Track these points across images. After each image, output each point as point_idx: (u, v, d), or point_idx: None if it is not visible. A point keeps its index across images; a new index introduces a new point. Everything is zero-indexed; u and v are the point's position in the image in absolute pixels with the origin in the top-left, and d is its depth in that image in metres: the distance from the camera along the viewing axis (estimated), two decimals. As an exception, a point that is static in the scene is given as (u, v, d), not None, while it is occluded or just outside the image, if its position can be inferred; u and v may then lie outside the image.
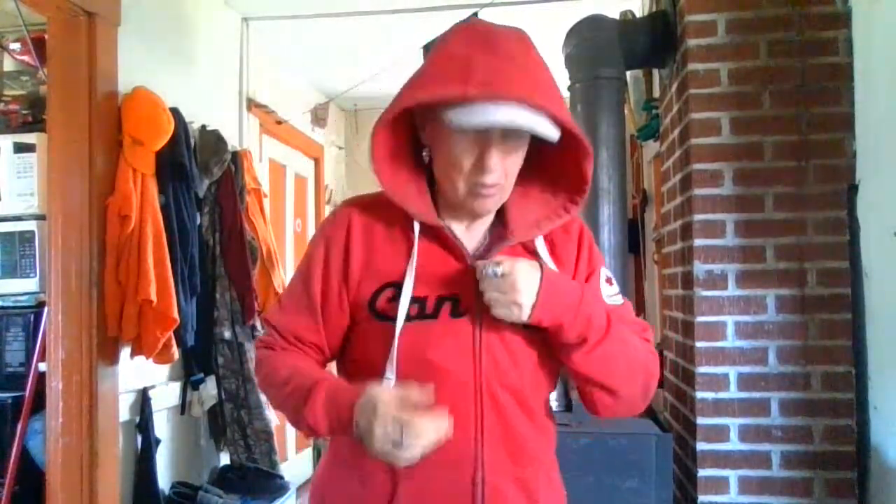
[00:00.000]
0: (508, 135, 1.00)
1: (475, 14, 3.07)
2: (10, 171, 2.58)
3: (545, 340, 1.07)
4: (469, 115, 0.96)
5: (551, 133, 0.99)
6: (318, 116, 4.42)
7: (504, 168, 1.04)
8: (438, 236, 1.09)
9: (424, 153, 1.13)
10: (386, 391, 0.97)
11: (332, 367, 1.20)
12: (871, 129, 1.93)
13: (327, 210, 4.99)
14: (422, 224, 1.09)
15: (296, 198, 4.55)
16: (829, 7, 2.03)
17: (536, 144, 1.06)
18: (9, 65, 2.90)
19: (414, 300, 1.05)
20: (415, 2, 3.38)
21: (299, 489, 4.10)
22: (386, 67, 3.79)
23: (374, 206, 1.14)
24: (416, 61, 3.29)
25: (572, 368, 1.07)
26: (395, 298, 1.05)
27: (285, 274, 3.66)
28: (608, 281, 1.17)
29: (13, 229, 2.57)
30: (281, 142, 4.22)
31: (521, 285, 0.99)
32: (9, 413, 2.50)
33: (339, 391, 1.01)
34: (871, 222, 1.92)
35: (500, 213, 1.14)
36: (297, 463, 4.43)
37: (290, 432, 4.36)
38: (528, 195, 1.14)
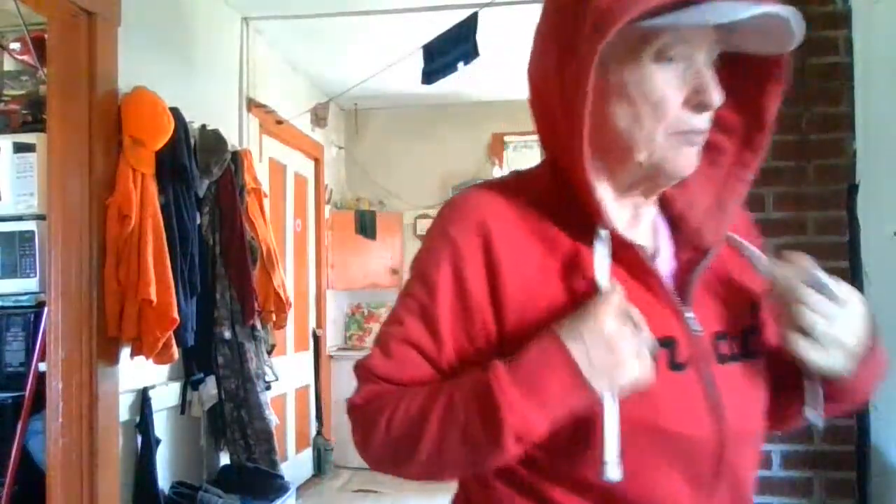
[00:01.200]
0: (711, 61, 0.75)
1: (475, 14, 3.07)
2: (10, 171, 2.58)
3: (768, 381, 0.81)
4: (698, 14, 0.68)
5: (798, 34, 0.72)
6: (318, 116, 4.42)
7: None
8: (619, 252, 0.76)
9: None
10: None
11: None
12: (871, 129, 1.93)
13: (327, 210, 4.99)
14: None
15: (296, 198, 4.55)
16: (829, 7, 2.03)
17: None
18: (9, 65, 2.90)
19: None
20: (415, 2, 3.39)
21: (299, 489, 4.11)
22: (386, 67, 3.80)
23: (519, 199, 0.80)
24: (417, 61, 3.32)
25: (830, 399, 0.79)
26: None
27: (285, 274, 3.66)
28: None
29: (13, 229, 2.56)
30: (281, 142, 4.21)
31: (855, 322, 0.73)
32: (9, 413, 2.50)
33: (522, 357, 0.70)
34: (871, 222, 1.92)
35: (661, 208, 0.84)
36: (297, 463, 4.43)
37: (290, 432, 4.37)
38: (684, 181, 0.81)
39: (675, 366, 0.75)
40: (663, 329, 0.74)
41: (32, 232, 2.55)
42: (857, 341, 0.73)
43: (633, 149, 0.75)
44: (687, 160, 0.75)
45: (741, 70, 0.79)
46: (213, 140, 2.90)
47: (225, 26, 3.49)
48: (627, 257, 0.76)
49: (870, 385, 0.79)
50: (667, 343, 0.74)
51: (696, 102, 0.73)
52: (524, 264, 0.76)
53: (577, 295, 0.74)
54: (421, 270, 0.80)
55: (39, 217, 2.57)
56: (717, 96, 0.73)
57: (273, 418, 3.12)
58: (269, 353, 3.27)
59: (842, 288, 0.74)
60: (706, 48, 0.73)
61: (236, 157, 3.07)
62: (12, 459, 2.43)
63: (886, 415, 1.87)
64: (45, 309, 2.44)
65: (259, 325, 3.14)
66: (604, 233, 0.75)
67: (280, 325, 3.41)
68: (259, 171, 3.51)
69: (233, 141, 3.20)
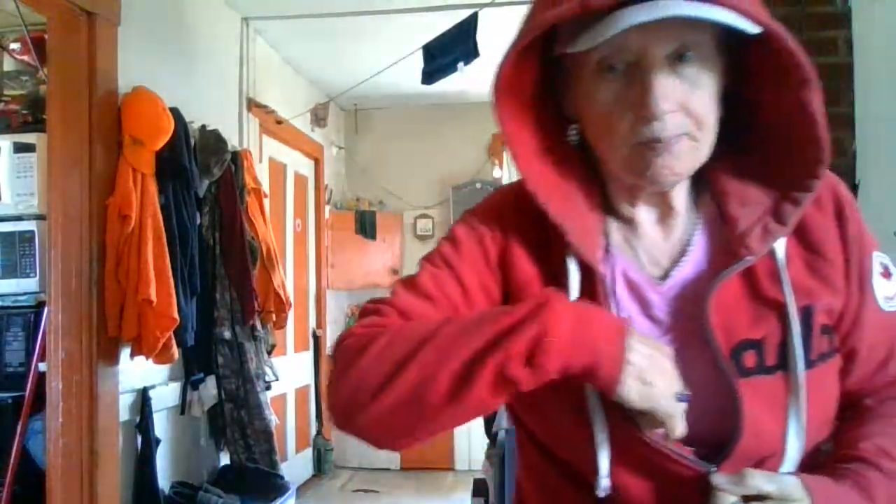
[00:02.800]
0: (679, 59, 0.69)
1: (475, 14, 3.07)
2: (10, 171, 2.58)
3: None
4: (597, 30, 0.66)
5: (738, 23, 0.67)
6: (318, 116, 4.43)
7: (683, 102, 0.69)
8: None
9: (571, 132, 0.78)
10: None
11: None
12: (871, 129, 1.93)
13: (327, 210, 4.99)
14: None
15: (296, 198, 4.55)
16: (829, 7, 2.03)
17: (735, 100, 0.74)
18: (9, 65, 2.90)
19: None
20: (415, 2, 3.38)
21: (299, 489, 4.11)
22: (386, 67, 3.80)
23: (527, 216, 0.78)
24: (417, 61, 3.32)
25: None
26: None
27: (285, 274, 3.66)
28: (885, 273, 0.78)
29: (13, 229, 2.57)
30: (281, 142, 4.21)
31: None
32: (9, 413, 2.50)
33: (584, 310, 0.67)
34: (871, 222, 1.92)
35: (717, 206, 0.78)
36: (297, 463, 4.43)
37: (290, 432, 4.37)
38: (743, 181, 0.76)
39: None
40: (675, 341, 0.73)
41: (32, 232, 2.55)
42: None
43: (607, 161, 0.75)
44: (659, 169, 0.71)
45: (770, 71, 0.73)
46: (213, 140, 2.90)
47: (225, 26, 3.49)
48: (629, 280, 0.75)
49: None
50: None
51: (641, 105, 0.69)
52: (529, 266, 0.77)
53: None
54: (445, 241, 0.81)
55: (39, 217, 2.57)
56: (657, 105, 0.68)
57: (273, 418, 3.12)
58: (269, 353, 3.27)
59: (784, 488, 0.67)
60: (654, 50, 0.68)
61: (236, 157, 3.07)
62: (12, 459, 2.43)
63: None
64: (45, 309, 2.44)
65: (259, 325, 3.14)
66: (572, 265, 0.75)
67: (280, 325, 3.41)
68: (259, 171, 3.51)
69: (233, 141, 3.20)
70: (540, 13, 0.69)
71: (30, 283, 2.57)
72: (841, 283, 0.76)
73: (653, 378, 0.64)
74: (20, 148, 2.58)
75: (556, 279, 0.75)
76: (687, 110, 0.69)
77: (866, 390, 0.79)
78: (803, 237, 0.76)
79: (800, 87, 0.72)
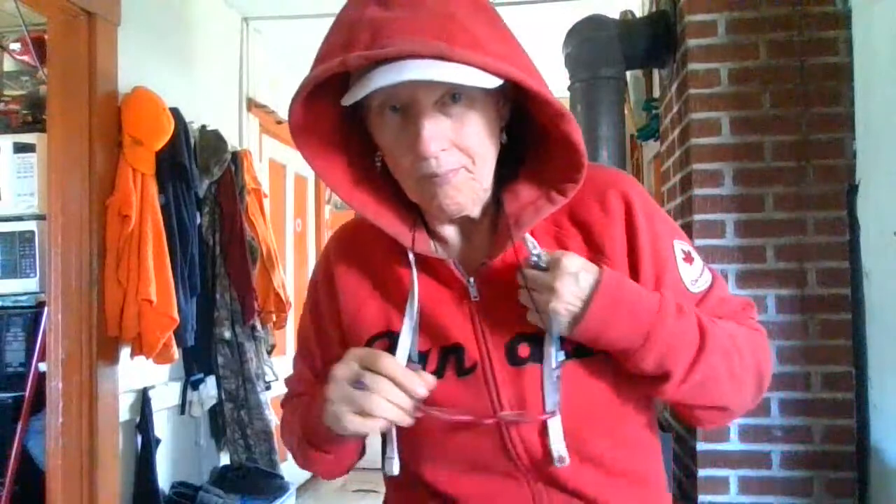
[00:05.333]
0: (452, 99, 0.77)
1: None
2: (10, 171, 2.58)
3: (602, 372, 0.83)
4: (359, 86, 0.74)
5: (473, 81, 0.72)
6: (318, 116, 4.42)
7: (453, 138, 0.77)
8: (427, 262, 0.86)
9: (377, 160, 0.87)
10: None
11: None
12: (871, 129, 1.93)
13: (327, 210, 4.99)
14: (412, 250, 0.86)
15: (296, 198, 4.55)
16: (829, 7, 2.03)
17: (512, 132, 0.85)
18: (9, 65, 2.90)
19: (418, 356, 0.83)
20: (415, 2, 3.38)
21: (299, 489, 4.11)
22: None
23: (362, 233, 0.93)
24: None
25: (663, 399, 0.84)
26: (391, 352, 0.82)
27: (285, 274, 3.66)
28: (687, 258, 0.87)
29: (13, 229, 2.57)
30: (281, 142, 4.22)
31: (566, 281, 0.76)
32: (9, 413, 2.50)
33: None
34: (871, 222, 1.92)
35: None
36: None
37: (290, 432, 4.36)
38: (517, 192, 0.86)
39: (463, 371, 0.83)
40: (456, 336, 0.84)
41: (32, 232, 2.55)
42: (573, 299, 0.77)
43: (408, 191, 0.83)
44: (443, 201, 0.80)
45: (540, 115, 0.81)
46: (213, 140, 2.90)
47: (225, 26, 3.49)
48: (438, 270, 0.85)
49: (629, 334, 0.78)
50: (454, 350, 0.84)
51: (415, 144, 0.76)
52: (359, 289, 0.90)
53: (393, 311, 0.87)
54: (304, 309, 1.00)
55: (39, 217, 2.57)
56: (426, 147, 0.75)
57: (273, 418, 3.11)
58: (269, 353, 3.27)
59: (551, 257, 0.78)
60: (422, 98, 0.76)
61: (236, 157, 3.07)
62: (12, 459, 2.43)
63: (886, 415, 1.87)
64: (45, 309, 2.44)
65: (259, 326, 3.14)
66: (411, 258, 0.85)
67: (280, 325, 3.41)
68: (259, 171, 3.52)
69: (233, 141, 3.20)
70: (314, 66, 0.76)
71: (30, 283, 2.57)
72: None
73: (336, 407, 0.78)
74: (20, 148, 2.59)
75: (387, 282, 0.89)
76: (459, 147, 0.78)
77: None
78: (589, 238, 0.85)
79: (558, 120, 0.78)
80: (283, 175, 4.38)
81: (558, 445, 0.80)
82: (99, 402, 2.40)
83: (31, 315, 2.58)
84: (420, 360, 0.83)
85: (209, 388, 2.96)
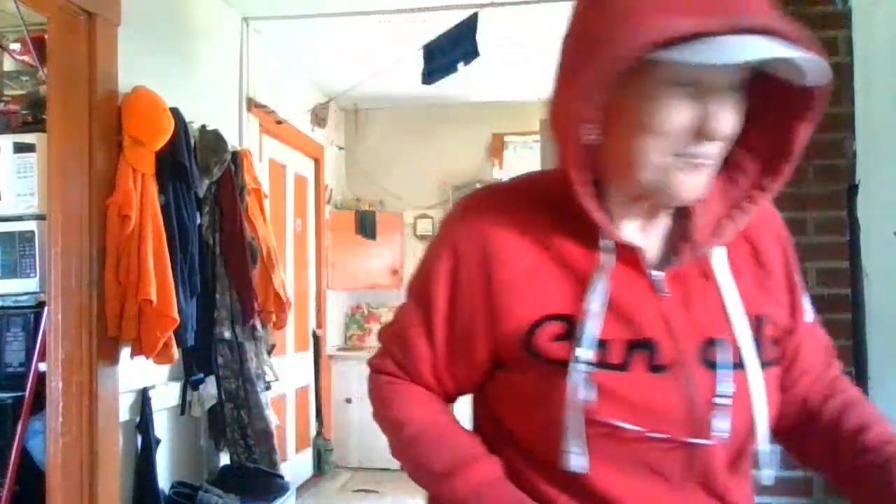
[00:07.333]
0: (734, 86, 0.73)
1: (475, 14, 3.07)
2: (10, 171, 2.58)
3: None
4: (709, 50, 0.67)
5: (822, 74, 0.74)
6: (318, 116, 4.43)
7: (734, 131, 0.75)
8: (622, 255, 0.80)
9: (588, 133, 0.76)
10: None
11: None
12: (871, 129, 1.93)
13: (327, 210, 4.99)
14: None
15: (296, 198, 4.55)
16: (829, 7, 2.03)
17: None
18: (9, 65, 2.90)
19: (598, 344, 0.77)
20: (415, 2, 3.38)
21: (299, 489, 4.11)
22: (386, 67, 3.79)
23: (516, 203, 0.84)
24: (417, 61, 3.32)
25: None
26: (566, 337, 0.78)
27: (285, 274, 3.66)
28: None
29: (13, 229, 2.56)
30: (281, 142, 4.22)
31: None
32: (9, 413, 2.50)
33: (493, 488, 0.80)
34: (871, 222, 1.92)
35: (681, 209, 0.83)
36: (297, 463, 4.43)
37: (290, 432, 4.37)
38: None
39: (655, 367, 0.78)
40: (649, 331, 0.78)
41: (32, 232, 2.55)
42: None
43: (634, 168, 0.76)
44: (687, 185, 0.75)
45: (777, 94, 0.77)
46: (213, 140, 2.90)
47: (225, 26, 3.49)
48: (631, 260, 0.79)
49: None
50: (647, 345, 0.78)
51: (701, 131, 0.72)
52: (520, 265, 0.81)
53: (570, 293, 0.79)
54: (424, 275, 0.87)
55: (39, 217, 2.56)
56: (726, 126, 0.72)
57: (273, 418, 3.12)
58: (269, 353, 3.27)
59: None
60: (726, 74, 0.72)
61: (236, 157, 3.07)
62: (12, 459, 2.43)
63: (886, 415, 1.86)
64: (45, 309, 2.44)
65: (259, 325, 3.14)
66: (604, 243, 0.79)
67: (280, 325, 3.41)
68: (259, 171, 3.51)
69: (233, 141, 3.20)
70: (650, 18, 0.68)
71: (30, 283, 2.56)
72: (784, 300, 0.87)
73: None
74: (20, 148, 2.58)
75: (565, 261, 0.81)
76: (730, 137, 0.75)
77: (818, 386, 0.92)
78: (756, 254, 0.86)
79: (800, 119, 0.78)
80: (283, 175, 4.38)
81: (768, 470, 0.81)
82: (99, 402, 2.40)
83: (31, 315, 2.58)
84: (600, 348, 0.77)
85: (209, 388, 2.96)
